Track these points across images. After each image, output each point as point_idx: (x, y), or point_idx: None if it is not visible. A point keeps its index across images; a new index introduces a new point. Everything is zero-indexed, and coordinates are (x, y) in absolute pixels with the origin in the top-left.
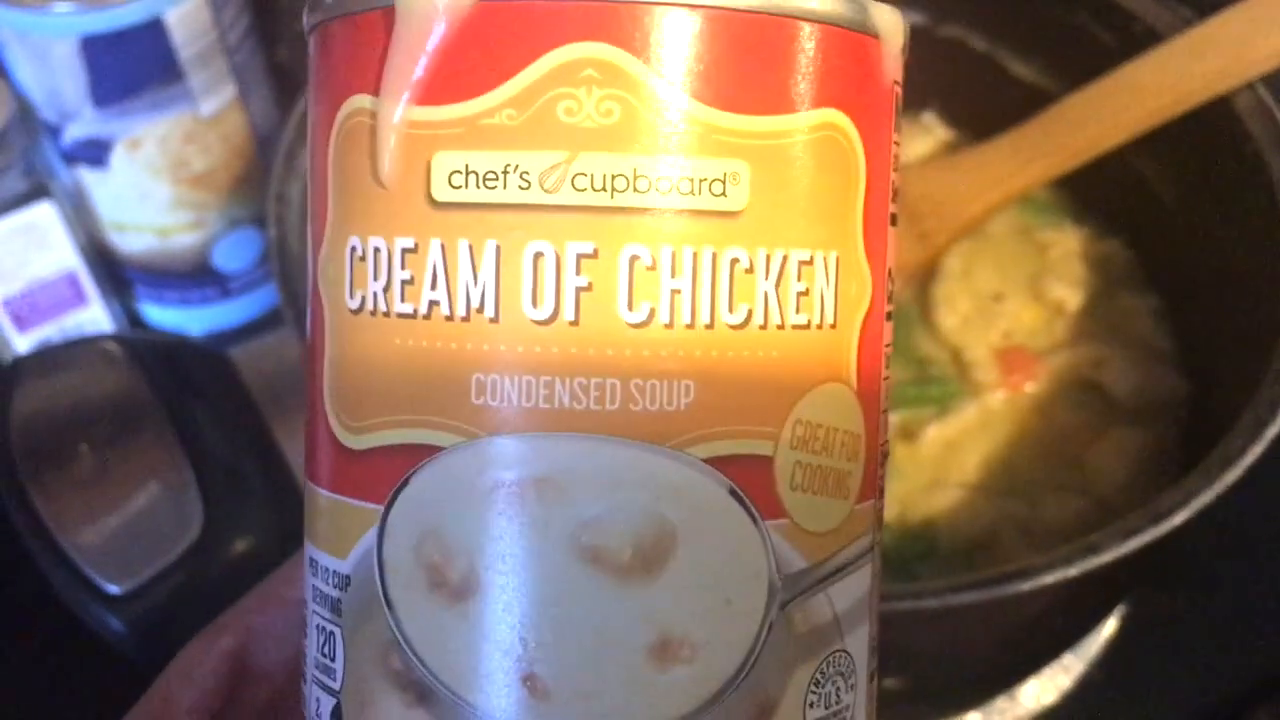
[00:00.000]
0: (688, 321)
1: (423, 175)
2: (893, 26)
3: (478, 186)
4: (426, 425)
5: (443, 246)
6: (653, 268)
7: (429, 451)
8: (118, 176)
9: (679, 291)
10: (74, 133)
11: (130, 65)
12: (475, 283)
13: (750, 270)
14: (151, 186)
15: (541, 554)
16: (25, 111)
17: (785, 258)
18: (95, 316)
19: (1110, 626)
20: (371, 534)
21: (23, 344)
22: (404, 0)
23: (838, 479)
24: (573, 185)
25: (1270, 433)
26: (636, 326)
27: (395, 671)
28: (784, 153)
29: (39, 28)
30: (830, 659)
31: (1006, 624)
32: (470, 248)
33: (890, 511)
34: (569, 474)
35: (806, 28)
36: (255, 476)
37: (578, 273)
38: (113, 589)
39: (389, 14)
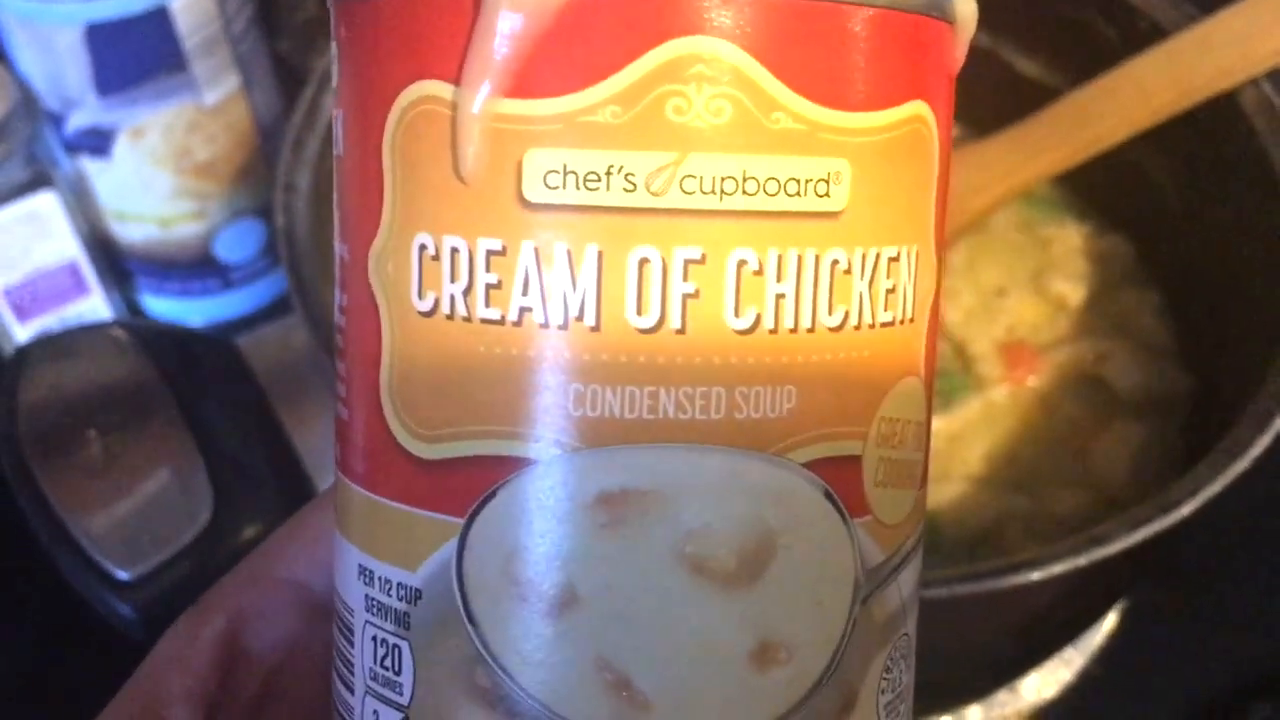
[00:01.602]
0: (791, 326)
1: (512, 173)
2: (969, 12)
3: (577, 187)
4: (516, 437)
5: (536, 250)
6: (759, 272)
7: (518, 464)
8: (120, 166)
9: (783, 296)
10: (77, 121)
11: (134, 54)
12: (574, 289)
13: (849, 271)
14: (154, 176)
15: (644, 567)
16: (28, 100)
17: (878, 256)
18: (96, 307)
19: (1110, 621)
20: (449, 548)
21: (23, 334)
22: None
23: (909, 470)
24: (681, 188)
25: (1277, 424)
26: (742, 333)
27: (481, 688)
28: (880, 149)
29: (43, 15)
30: (897, 644)
31: (1010, 617)
32: (569, 252)
33: None
34: (673, 485)
35: (908, 19)
36: (264, 464)
37: (685, 279)
38: (122, 575)
39: None
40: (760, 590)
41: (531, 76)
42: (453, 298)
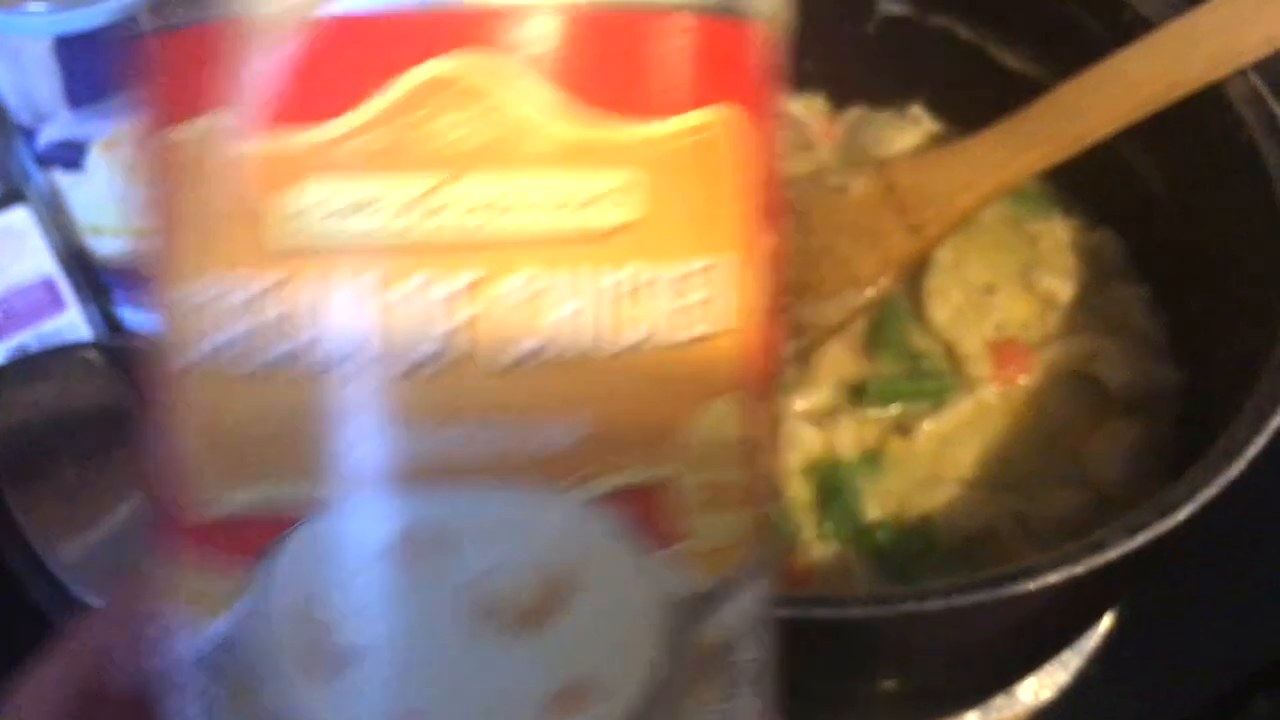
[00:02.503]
0: (580, 351)
1: (277, 208)
2: (774, 3)
3: (339, 219)
4: (291, 484)
5: (301, 286)
6: (541, 295)
7: (302, 510)
8: (94, 179)
9: (570, 318)
10: (49, 135)
11: (105, 65)
12: (342, 325)
13: (651, 284)
14: (128, 189)
15: (429, 614)
16: None
17: (687, 267)
18: (73, 322)
19: (1107, 622)
20: (237, 607)
21: (0, 352)
22: (248, 14)
23: (738, 490)
24: (452, 211)
25: (1272, 424)
26: (523, 361)
27: None
28: (676, 157)
29: (12, 28)
30: (734, 672)
31: (1007, 623)
32: (333, 286)
33: (887, 508)
34: (454, 526)
35: (686, 21)
36: None
37: (463, 306)
38: (95, 602)
39: (234, 28)
40: (557, 632)
41: (292, 107)
42: (224, 345)
